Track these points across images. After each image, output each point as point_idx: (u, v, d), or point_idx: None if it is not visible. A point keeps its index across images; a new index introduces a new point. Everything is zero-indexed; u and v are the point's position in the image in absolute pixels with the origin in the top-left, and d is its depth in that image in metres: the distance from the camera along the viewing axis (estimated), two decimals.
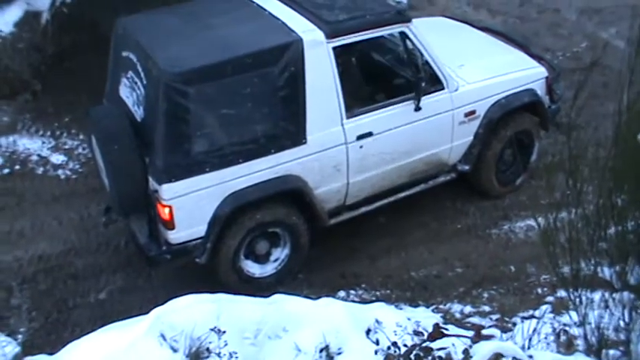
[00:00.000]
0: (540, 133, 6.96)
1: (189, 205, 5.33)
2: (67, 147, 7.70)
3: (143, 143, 5.39)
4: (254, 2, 6.06)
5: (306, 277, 6.20)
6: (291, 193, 5.73)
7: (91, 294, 6.09)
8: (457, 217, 6.89)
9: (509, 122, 6.63)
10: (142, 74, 5.46)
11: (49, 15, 7.90)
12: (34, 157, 7.53)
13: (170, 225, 5.34)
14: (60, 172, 7.42)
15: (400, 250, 6.50)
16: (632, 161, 3.00)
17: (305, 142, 5.60)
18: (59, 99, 8.08)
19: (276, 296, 4.42)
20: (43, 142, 7.72)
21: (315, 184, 5.78)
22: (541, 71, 6.83)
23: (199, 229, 5.47)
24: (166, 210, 5.27)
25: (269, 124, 5.49)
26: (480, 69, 6.58)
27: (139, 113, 5.56)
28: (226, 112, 5.35)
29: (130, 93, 5.71)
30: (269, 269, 6.00)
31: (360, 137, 5.84)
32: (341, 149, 5.79)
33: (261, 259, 5.98)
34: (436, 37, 6.31)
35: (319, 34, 5.60)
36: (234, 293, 4.38)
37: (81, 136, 7.74)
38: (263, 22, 5.79)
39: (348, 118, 5.77)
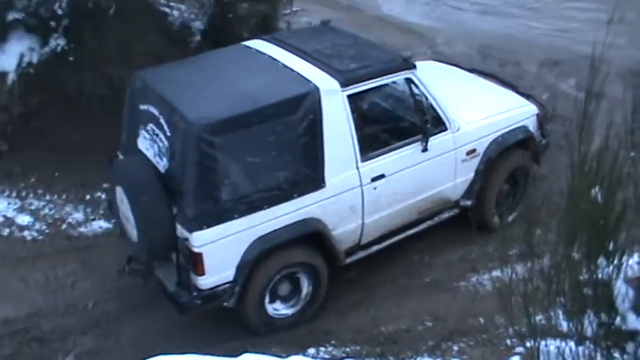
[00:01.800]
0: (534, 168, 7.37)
1: (219, 251, 5.52)
2: (33, 207, 7.65)
3: (169, 193, 5.55)
4: (265, 53, 6.42)
5: (274, 334, 6.17)
6: (312, 236, 5.96)
7: (59, 357, 5.99)
8: (425, 271, 6.93)
9: (507, 158, 7.02)
10: (166, 126, 5.69)
11: (16, 75, 7.90)
12: (0, 219, 7.48)
13: (200, 271, 5.50)
14: (26, 233, 7.35)
15: (369, 305, 6.49)
16: (585, 215, 3.08)
17: (324, 186, 5.90)
18: (26, 159, 8.05)
19: (245, 356, 4.41)
20: (9, 203, 7.67)
21: (333, 226, 6.03)
22: (532, 109, 7.27)
23: (228, 274, 5.64)
24: (197, 257, 5.44)
25: (291, 170, 5.75)
26: (476, 109, 6.97)
27: (161, 164, 5.76)
28: (252, 160, 5.62)
29: (150, 145, 5.90)
30: (291, 310, 6.27)
31: (374, 179, 6.16)
32: (357, 191, 6.09)
33: (285, 300, 6.23)
34: (429, 80, 6.57)
35: (334, 83, 5.93)
36: (205, 353, 4.36)
37: (47, 197, 7.71)
38: (278, 72, 6.13)
39: (362, 161, 6.10)
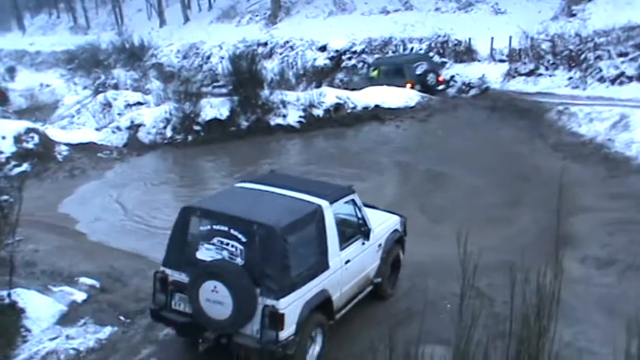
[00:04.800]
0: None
1: (291, 312, 7.80)
2: None
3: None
4: (263, 190, 9.07)
5: None
6: (326, 301, 8.46)
7: None
8: None
9: (393, 250, 10.33)
10: (240, 235, 7.97)
11: None
12: None
13: (282, 327, 7.70)
14: None
15: None
16: None
17: (329, 268, 8.54)
18: None
19: None
20: None
21: (331, 294, 8.56)
22: (397, 218, 10.72)
23: (292, 329, 7.86)
24: (281, 316, 7.68)
25: (315, 256, 8.40)
26: (373, 219, 9.83)
27: (236, 262, 8.00)
28: (299, 250, 8.12)
29: (217, 253, 8.08)
30: None
31: (346, 262, 8.95)
32: (340, 270, 8.81)
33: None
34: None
35: (326, 202, 8.75)
36: None
37: None
38: (289, 199, 8.81)
39: (341, 250, 8.86)
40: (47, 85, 40.17)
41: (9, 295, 9.41)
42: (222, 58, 36.12)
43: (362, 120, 23.04)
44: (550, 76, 25.36)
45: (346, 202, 9.33)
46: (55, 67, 49.80)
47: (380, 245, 9.95)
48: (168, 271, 8.37)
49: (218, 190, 12.61)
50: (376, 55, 32.62)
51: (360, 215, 9.48)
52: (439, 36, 31.44)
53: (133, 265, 11.50)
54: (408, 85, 25.57)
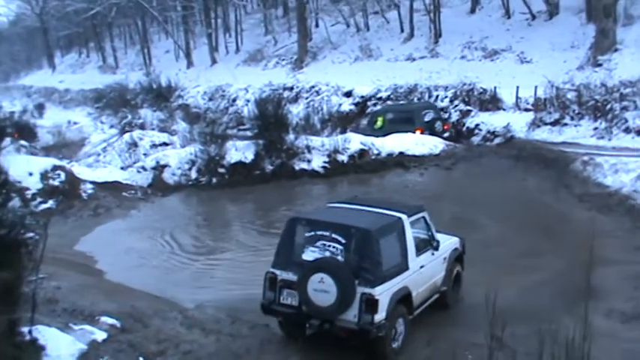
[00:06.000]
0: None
1: (382, 299, 9.45)
2: None
3: None
4: (352, 207, 10.93)
5: None
6: (407, 296, 10.05)
7: None
8: None
9: (454, 265, 11.88)
10: (340, 238, 9.77)
11: None
12: None
13: (376, 310, 9.37)
14: None
15: None
16: None
17: (409, 269, 10.19)
18: None
19: None
20: None
21: (411, 291, 10.15)
22: (457, 239, 12.30)
23: (383, 314, 9.46)
24: (376, 301, 9.36)
25: (399, 258, 10.09)
26: (439, 237, 11.36)
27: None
28: (388, 250, 9.81)
29: (320, 253, 9.84)
30: (396, 344, 9.98)
31: (421, 267, 10.58)
32: (417, 273, 10.43)
33: (395, 338, 9.97)
34: None
35: (405, 215, 10.50)
36: None
37: None
38: (375, 213, 10.61)
39: (417, 256, 10.49)
40: (75, 123, 40.83)
41: (30, 331, 9.41)
42: (248, 101, 36.41)
43: (386, 167, 23.11)
44: (575, 125, 25.23)
45: (419, 218, 11.02)
46: (83, 106, 50.51)
47: (445, 259, 11.55)
48: (277, 271, 10.14)
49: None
50: (401, 102, 32.75)
51: (429, 229, 11.17)
52: (465, 84, 31.41)
53: (154, 306, 11.59)
54: (418, 132, 25.88)
